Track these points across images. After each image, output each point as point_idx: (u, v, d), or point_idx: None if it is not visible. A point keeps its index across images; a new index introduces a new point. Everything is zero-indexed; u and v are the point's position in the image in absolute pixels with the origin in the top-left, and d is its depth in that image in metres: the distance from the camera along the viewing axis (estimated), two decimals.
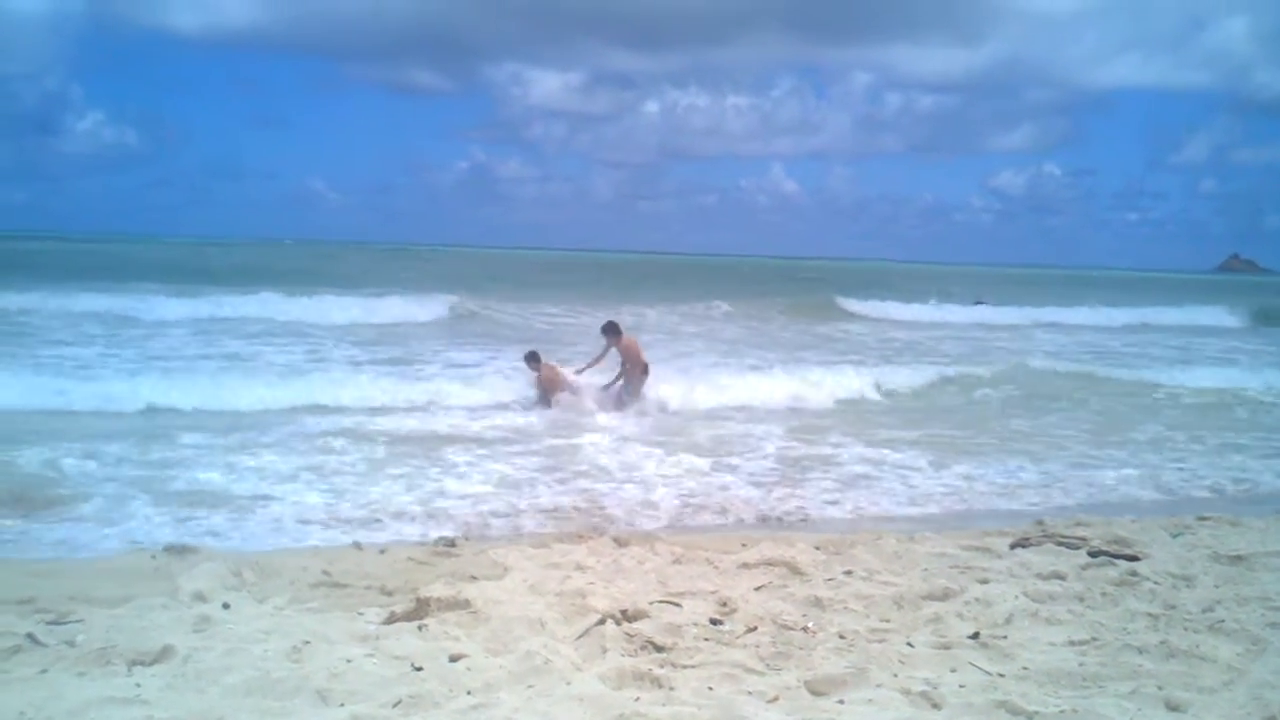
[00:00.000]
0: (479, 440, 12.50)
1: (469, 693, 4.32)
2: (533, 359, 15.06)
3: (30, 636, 4.96)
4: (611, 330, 15.19)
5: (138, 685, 4.32)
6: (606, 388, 15.12)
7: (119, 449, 10.84)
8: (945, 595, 6.13)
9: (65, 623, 5.28)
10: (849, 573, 6.67)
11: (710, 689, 4.50)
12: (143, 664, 4.63)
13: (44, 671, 4.56)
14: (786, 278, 74.53)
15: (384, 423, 13.33)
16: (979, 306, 44.92)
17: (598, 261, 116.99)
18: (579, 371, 15.13)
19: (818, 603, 5.92)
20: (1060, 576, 6.63)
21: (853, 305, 41.54)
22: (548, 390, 14.73)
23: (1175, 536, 8.05)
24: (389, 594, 6.18)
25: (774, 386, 17.05)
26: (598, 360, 15.18)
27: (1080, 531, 8.04)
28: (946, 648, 5.19)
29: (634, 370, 15.17)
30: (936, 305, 44.01)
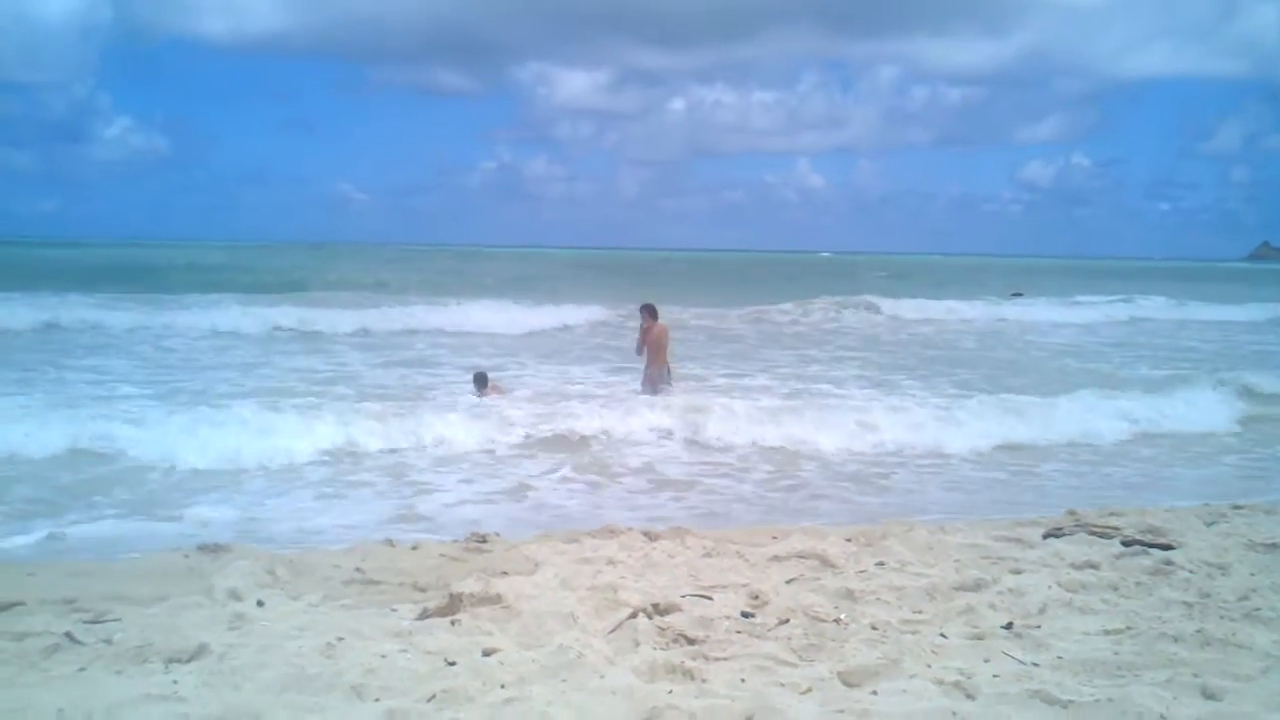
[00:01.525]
0: None
1: (502, 686, 4.33)
2: (480, 381, 15.17)
3: (68, 635, 5.01)
4: (644, 312, 15.23)
5: (174, 682, 4.36)
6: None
7: None
8: (978, 586, 6.10)
9: (102, 621, 5.33)
10: (881, 564, 6.65)
11: (743, 681, 4.49)
12: (179, 661, 4.67)
13: (82, 669, 4.60)
14: (835, 275, 72.45)
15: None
16: (1017, 299, 44.72)
17: (638, 260, 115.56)
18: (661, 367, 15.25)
19: (849, 594, 5.90)
20: (1094, 566, 6.59)
21: (929, 306, 39.99)
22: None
23: (1209, 525, 7.99)
24: (422, 590, 6.20)
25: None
26: (640, 343, 15.35)
27: (1113, 521, 7.99)
28: (980, 638, 5.17)
29: (653, 359, 15.16)
30: (1023, 303, 43.14)
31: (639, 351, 15.40)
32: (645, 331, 15.15)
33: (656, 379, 15.10)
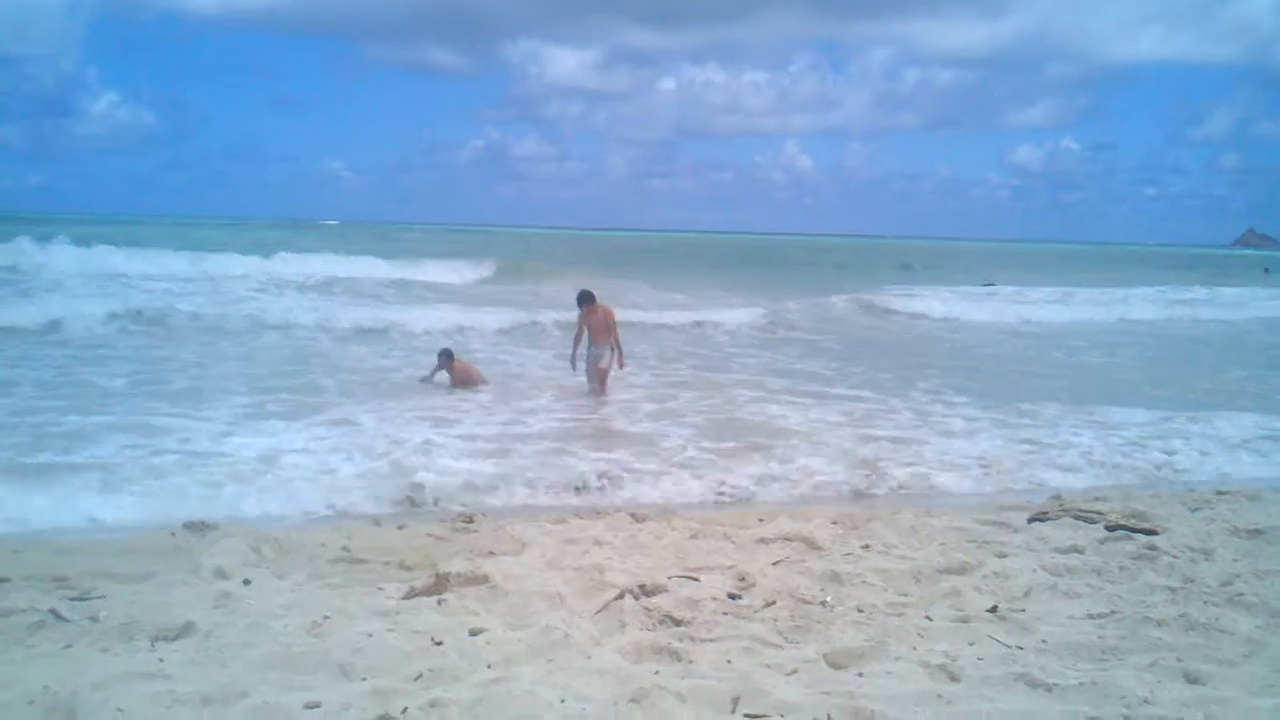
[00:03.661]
0: None
1: (489, 666, 4.34)
2: (445, 356, 14.82)
3: (53, 612, 5.01)
4: (581, 300, 14.75)
5: (160, 660, 4.35)
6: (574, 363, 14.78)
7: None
8: (963, 569, 6.14)
9: (88, 599, 5.32)
10: (866, 547, 6.68)
11: (729, 662, 4.51)
12: (165, 639, 4.67)
13: (68, 647, 4.60)
14: (865, 264, 69.35)
15: None
16: (989, 288, 44.76)
17: (658, 242, 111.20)
18: (572, 358, 14.75)
19: (835, 577, 5.92)
20: (1078, 550, 6.62)
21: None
22: (464, 385, 14.63)
23: (1193, 510, 8.04)
24: (408, 569, 6.21)
25: None
26: (578, 338, 14.79)
27: (1098, 506, 8.03)
28: (965, 621, 5.20)
29: (596, 339, 14.56)
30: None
31: (577, 341, 14.79)
32: (588, 316, 14.57)
33: (600, 358, 14.49)
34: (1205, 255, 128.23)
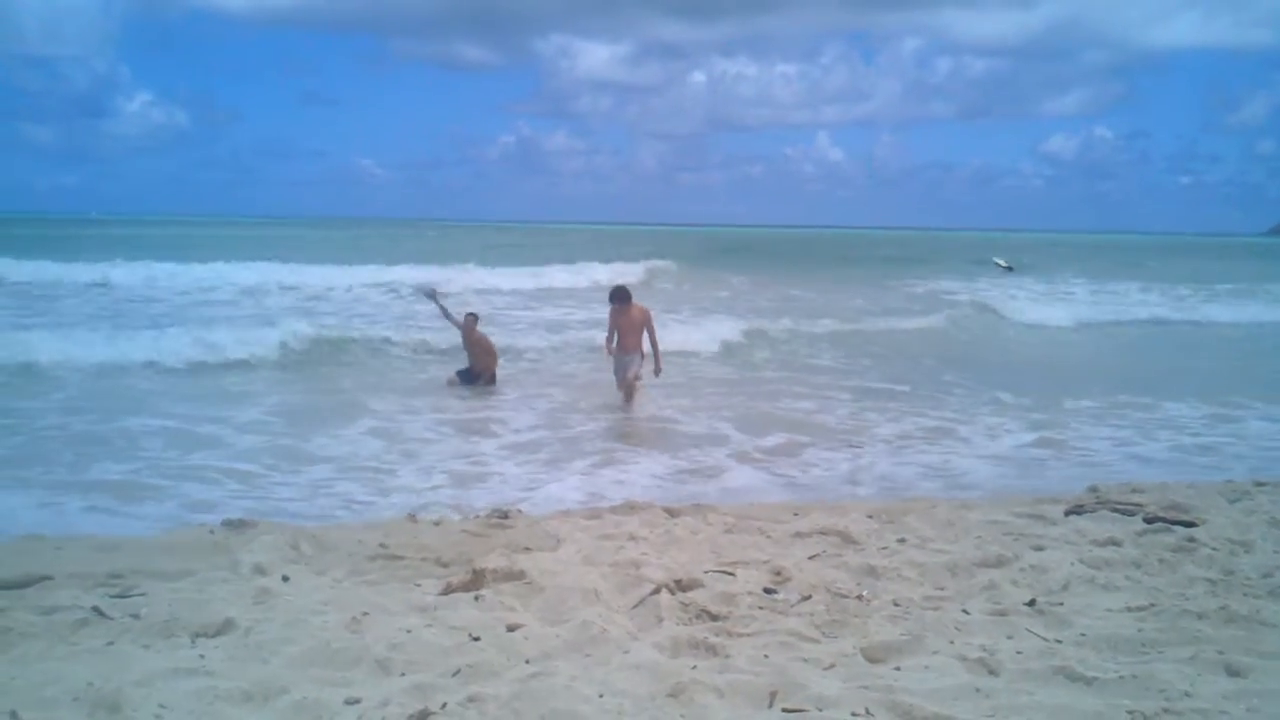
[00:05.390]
0: None
1: (527, 662, 4.36)
2: (472, 316, 15.33)
3: (96, 609, 5.06)
4: (613, 297, 13.62)
5: (201, 656, 4.40)
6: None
7: None
8: (1000, 562, 6.10)
9: (129, 596, 5.38)
10: (902, 541, 6.65)
11: (766, 657, 4.50)
12: (206, 636, 4.71)
13: (110, 643, 4.65)
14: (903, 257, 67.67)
15: None
16: (1006, 270, 44.64)
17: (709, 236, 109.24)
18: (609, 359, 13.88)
19: (872, 571, 5.91)
20: (1116, 543, 6.58)
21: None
22: (485, 362, 15.06)
23: (1233, 502, 7.96)
24: (445, 565, 6.23)
25: None
26: (608, 341, 13.68)
27: (1136, 498, 7.96)
28: (1003, 614, 5.17)
29: (625, 344, 13.53)
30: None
31: (610, 340, 13.62)
32: (619, 317, 13.47)
33: (629, 367, 13.54)
34: (1242, 245, 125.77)
